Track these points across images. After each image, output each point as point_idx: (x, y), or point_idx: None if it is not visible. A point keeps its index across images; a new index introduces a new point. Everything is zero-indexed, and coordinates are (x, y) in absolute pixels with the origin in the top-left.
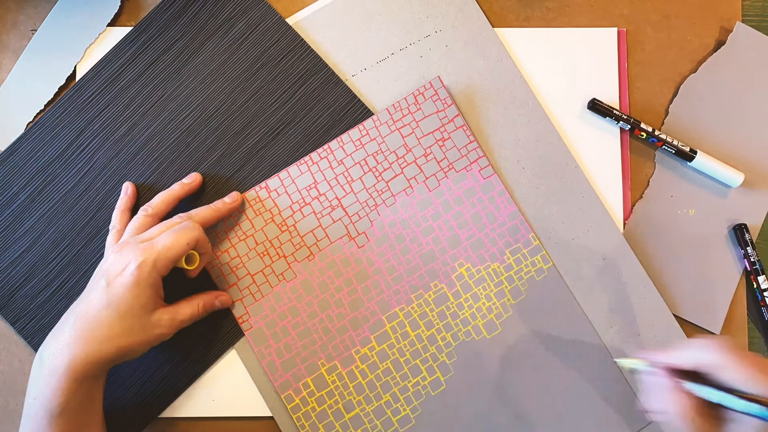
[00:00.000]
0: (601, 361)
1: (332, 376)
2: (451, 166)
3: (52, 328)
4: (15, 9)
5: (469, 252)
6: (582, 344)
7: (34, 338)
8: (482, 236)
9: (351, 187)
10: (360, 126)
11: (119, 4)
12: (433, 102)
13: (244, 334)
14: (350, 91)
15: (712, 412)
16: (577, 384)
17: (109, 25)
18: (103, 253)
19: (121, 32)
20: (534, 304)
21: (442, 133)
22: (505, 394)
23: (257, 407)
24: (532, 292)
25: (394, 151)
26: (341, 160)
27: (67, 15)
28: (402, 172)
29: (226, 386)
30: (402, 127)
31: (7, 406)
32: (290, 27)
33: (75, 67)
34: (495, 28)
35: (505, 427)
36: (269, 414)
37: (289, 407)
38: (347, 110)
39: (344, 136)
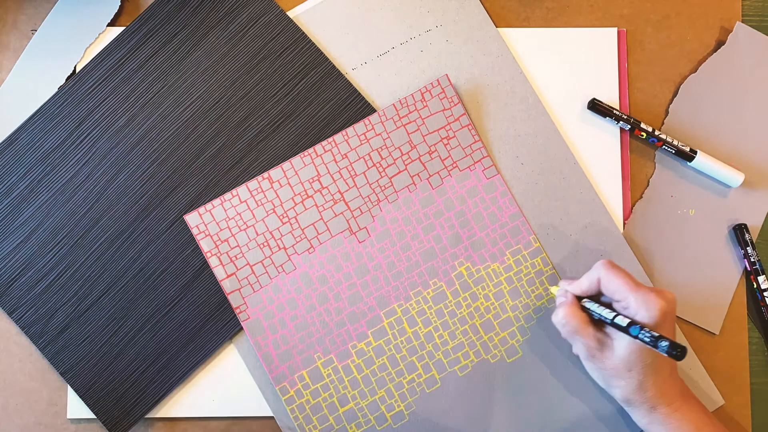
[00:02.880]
0: None
1: (328, 370)
2: (454, 165)
3: (49, 318)
4: (15, 9)
5: (469, 251)
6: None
7: (32, 328)
8: (483, 236)
9: (354, 181)
10: (365, 120)
11: (119, 4)
12: (440, 100)
13: (241, 326)
14: (350, 84)
15: (602, 332)
16: (577, 383)
17: (109, 25)
18: (101, 244)
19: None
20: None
21: (447, 131)
22: (501, 392)
23: (257, 407)
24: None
25: (398, 147)
26: (345, 154)
27: (67, 15)
28: (406, 169)
29: (226, 386)
30: (408, 124)
31: (7, 406)
32: (291, 20)
33: (75, 67)
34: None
35: (499, 426)
36: (269, 414)
37: (283, 399)
38: (347, 104)
39: (349, 130)
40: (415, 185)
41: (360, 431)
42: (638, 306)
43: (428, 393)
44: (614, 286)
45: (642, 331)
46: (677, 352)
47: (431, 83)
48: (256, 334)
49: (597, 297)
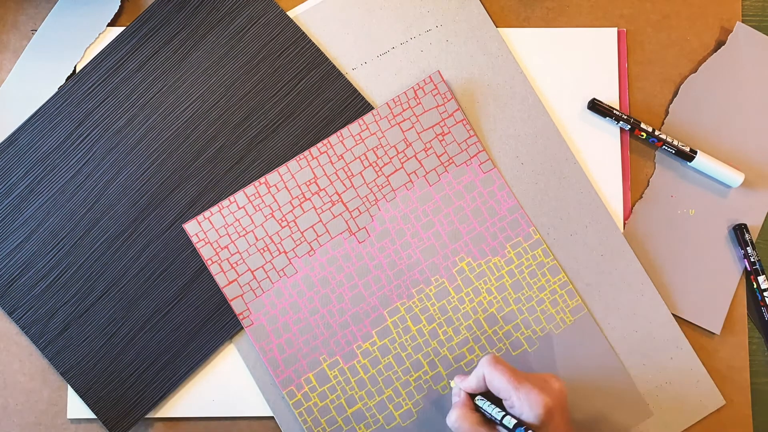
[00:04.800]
0: (600, 352)
1: (334, 372)
2: (451, 161)
3: (49, 318)
4: (15, 9)
5: (470, 246)
6: (584, 337)
7: (32, 328)
8: (483, 230)
9: (351, 182)
10: (360, 120)
11: (119, 4)
12: (433, 96)
13: (241, 326)
14: (350, 84)
15: (495, 430)
16: (580, 374)
17: (109, 25)
18: (101, 244)
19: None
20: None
21: (442, 127)
22: None
23: (257, 407)
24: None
25: (394, 146)
26: (341, 155)
27: (67, 15)
28: (402, 167)
29: (226, 386)
30: (402, 122)
31: (7, 406)
32: (291, 20)
33: (75, 67)
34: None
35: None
36: (269, 414)
37: (291, 403)
38: (347, 104)
39: (344, 131)
40: (412, 183)
41: (369, 431)
42: (521, 405)
43: (435, 390)
44: (497, 384)
45: None
46: None
47: (423, 80)
48: (261, 339)
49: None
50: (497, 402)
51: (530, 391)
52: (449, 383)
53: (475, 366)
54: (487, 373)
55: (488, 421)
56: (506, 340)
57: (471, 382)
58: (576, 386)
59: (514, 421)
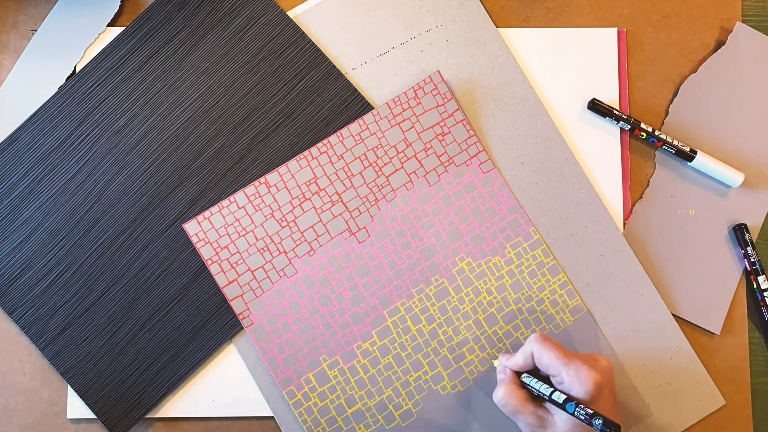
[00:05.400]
0: (600, 352)
1: (334, 371)
2: (451, 161)
3: (49, 318)
4: (15, 9)
5: (470, 246)
6: (583, 337)
7: (32, 328)
8: (483, 230)
9: (351, 182)
10: (360, 120)
11: (119, 4)
12: (433, 96)
13: (241, 326)
14: (350, 84)
15: (542, 407)
16: None
17: (109, 25)
18: (101, 244)
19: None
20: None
21: (442, 127)
22: None
23: (257, 407)
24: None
25: (394, 146)
26: (341, 155)
27: (67, 15)
28: (402, 167)
29: (226, 386)
30: (402, 122)
31: (7, 406)
32: (291, 20)
33: (75, 67)
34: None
35: (505, 419)
36: (269, 414)
37: (291, 403)
38: (347, 104)
39: (344, 131)
40: (412, 183)
41: (369, 431)
42: (571, 381)
43: (435, 390)
44: (546, 361)
45: (577, 408)
46: (610, 430)
47: (423, 80)
48: (261, 339)
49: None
50: (543, 380)
51: (580, 368)
52: (492, 362)
53: (511, 347)
54: (536, 350)
55: (535, 398)
56: (506, 340)
57: (518, 359)
58: None
59: (564, 397)
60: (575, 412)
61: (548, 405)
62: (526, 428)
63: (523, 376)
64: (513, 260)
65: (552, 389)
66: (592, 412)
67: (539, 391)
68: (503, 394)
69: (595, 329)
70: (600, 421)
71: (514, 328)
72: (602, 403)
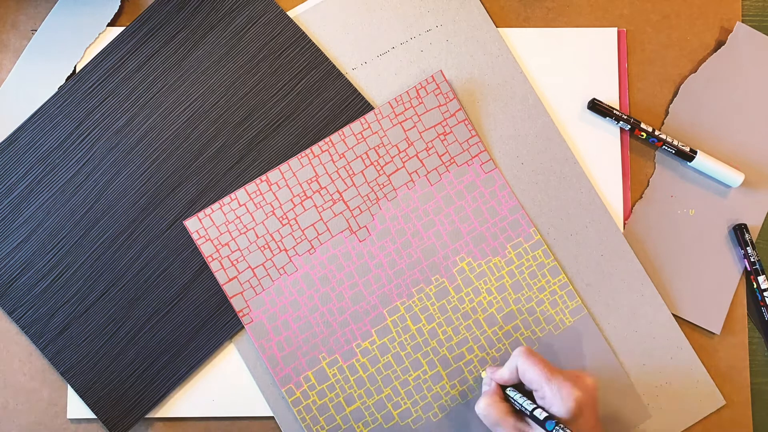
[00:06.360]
0: (599, 353)
1: (333, 370)
2: (452, 161)
3: (49, 318)
4: (15, 9)
5: (470, 246)
6: (583, 338)
7: (32, 328)
8: (483, 230)
9: (352, 180)
10: (362, 119)
11: (119, 4)
12: (435, 96)
13: (241, 326)
14: (350, 84)
15: (523, 422)
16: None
17: (109, 25)
18: (101, 244)
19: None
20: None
21: (443, 127)
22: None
23: (257, 407)
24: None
25: (395, 145)
26: (343, 154)
27: (67, 15)
28: (404, 166)
29: (226, 386)
30: (404, 121)
31: (7, 406)
32: (291, 20)
33: (75, 67)
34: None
35: None
36: (269, 414)
37: (289, 400)
38: (347, 104)
39: (346, 129)
40: (413, 182)
41: (368, 430)
42: (553, 397)
43: (434, 389)
44: (530, 376)
45: (557, 427)
46: None
47: (426, 80)
48: (260, 336)
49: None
50: (527, 397)
51: (563, 385)
52: (481, 373)
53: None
54: (520, 363)
55: (517, 412)
56: (506, 341)
57: (503, 374)
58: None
59: (545, 414)
60: (554, 431)
61: (529, 420)
62: None
63: (507, 389)
64: (513, 261)
65: (534, 406)
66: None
67: (521, 406)
68: (485, 405)
69: (596, 330)
70: None
71: (513, 329)
72: (583, 422)
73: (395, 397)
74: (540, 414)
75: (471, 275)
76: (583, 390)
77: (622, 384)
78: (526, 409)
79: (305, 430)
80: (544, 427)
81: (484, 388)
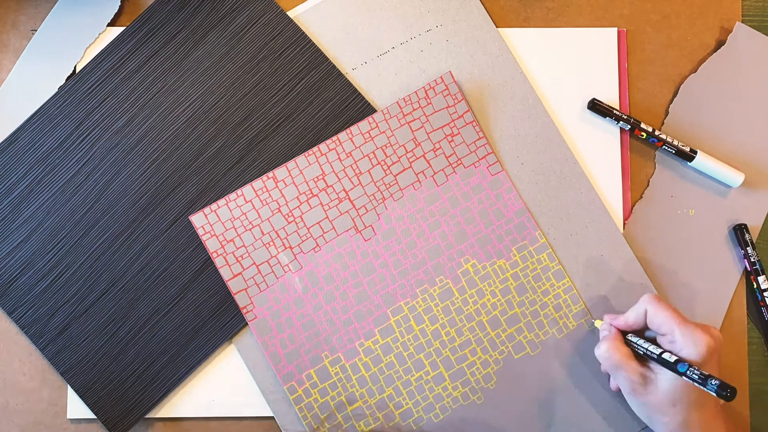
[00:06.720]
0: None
1: (336, 368)
2: (459, 162)
3: (49, 318)
4: (15, 9)
5: (475, 248)
6: (587, 342)
7: (32, 328)
8: (489, 232)
9: (359, 179)
10: (369, 119)
11: (119, 4)
12: (444, 97)
13: (241, 326)
14: (350, 84)
15: (646, 366)
16: (583, 379)
17: (109, 25)
18: (101, 244)
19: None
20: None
21: (451, 128)
22: (508, 388)
23: (257, 407)
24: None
25: (403, 145)
26: (350, 152)
27: (67, 15)
28: (410, 166)
29: (226, 386)
30: (412, 121)
31: (7, 406)
32: (291, 20)
33: (75, 67)
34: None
35: (505, 423)
36: (269, 414)
37: (291, 398)
38: (347, 104)
39: (353, 129)
40: (420, 183)
41: (368, 429)
42: (685, 341)
43: (437, 390)
44: (661, 320)
45: (690, 369)
46: (727, 392)
47: (435, 80)
48: (264, 333)
49: (641, 333)
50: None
51: (695, 330)
52: (594, 322)
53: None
54: (651, 308)
55: (639, 357)
56: (509, 343)
57: (629, 317)
58: (579, 391)
59: (674, 357)
60: (687, 373)
61: (652, 365)
62: (627, 384)
63: (628, 335)
64: (518, 263)
65: (661, 350)
66: (706, 374)
67: (647, 350)
68: (608, 348)
69: (598, 334)
70: (716, 383)
71: (517, 332)
72: (711, 368)
73: (397, 397)
74: (669, 357)
75: (475, 277)
76: (714, 338)
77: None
78: (653, 352)
79: (306, 428)
80: (675, 370)
81: (602, 334)
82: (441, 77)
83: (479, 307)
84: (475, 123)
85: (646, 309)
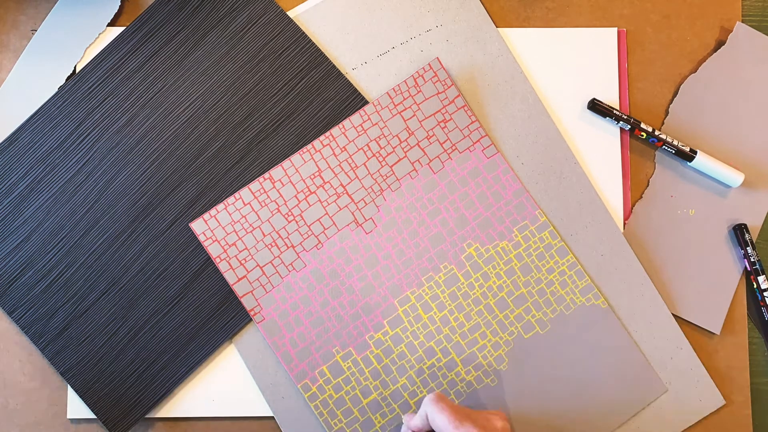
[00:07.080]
0: (611, 330)
1: (347, 363)
2: (454, 147)
3: (49, 318)
4: (15, 9)
5: (477, 232)
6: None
7: (32, 328)
8: (489, 215)
9: (355, 173)
10: (361, 111)
11: (119, 4)
12: (433, 84)
13: (241, 326)
14: (350, 84)
15: None
16: (592, 354)
17: (109, 25)
18: (101, 244)
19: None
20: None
21: (443, 114)
22: (520, 369)
23: (257, 407)
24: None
25: (396, 135)
26: (344, 147)
27: (67, 15)
28: (406, 156)
29: (226, 386)
30: (403, 111)
31: (7, 406)
32: (291, 20)
33: (75, 67)
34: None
35: (519, 402)
36: (269, 414)
37: (306, 396)
38: (347, 104)
39: (346, 123)
40: (416, 171)
41: (385, 420)
42: None
43: (449, 376)
44: (439, 423)
45: None
46: None
47: (423, 68)
48: (273, 334)
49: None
50: None
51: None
52: (403, 417)
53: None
54: (429, 412)
55: None
56: (518, 324)
57: (416, 422)
58: (588, 366)
59: None
60: None
61: None
62: None
63: None
64: (521, 243)
65: None
66: None
67: None
68: None
69: (607, 308)
70: None
71: (525, 311)
72: None
73: (411, 387)
74: None
75: (479, 261)
76: (498, 429)
77: (637, 360)
78: None
79: (323, 425)
80: None
81: None
82: (429, 64)
83: (485, 290)
84: (466, 107)
85: (426, 412)
